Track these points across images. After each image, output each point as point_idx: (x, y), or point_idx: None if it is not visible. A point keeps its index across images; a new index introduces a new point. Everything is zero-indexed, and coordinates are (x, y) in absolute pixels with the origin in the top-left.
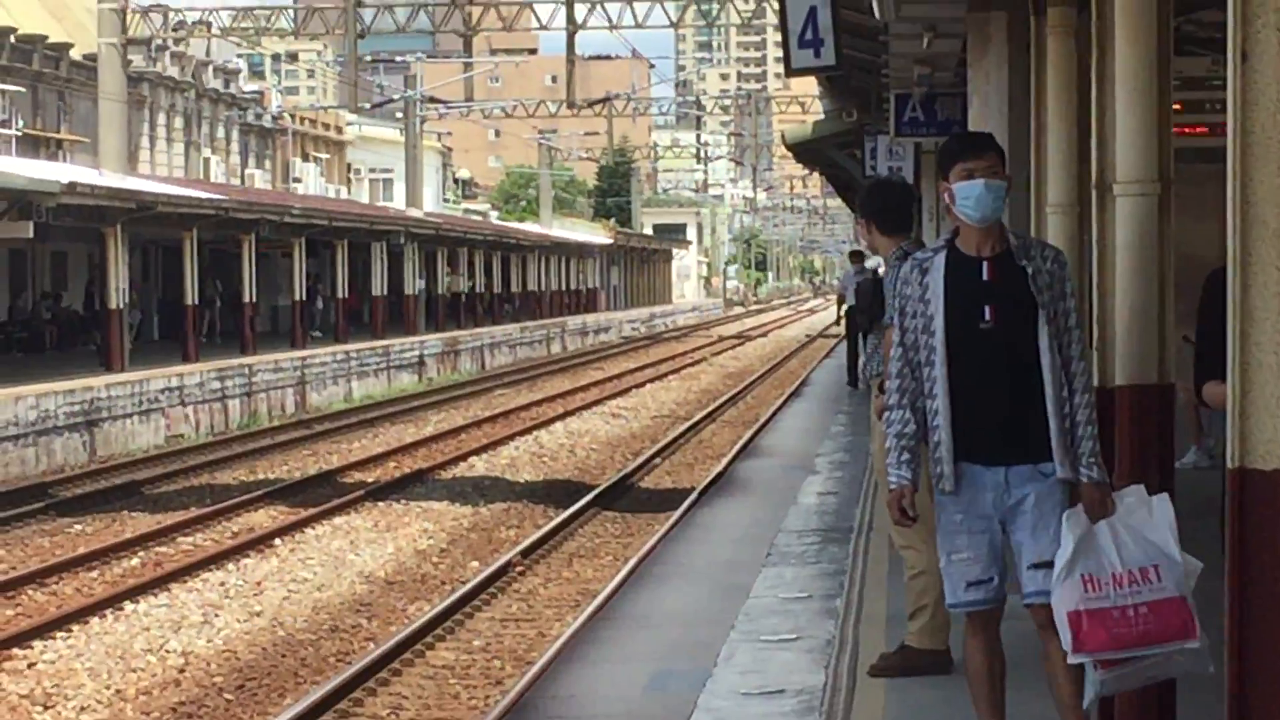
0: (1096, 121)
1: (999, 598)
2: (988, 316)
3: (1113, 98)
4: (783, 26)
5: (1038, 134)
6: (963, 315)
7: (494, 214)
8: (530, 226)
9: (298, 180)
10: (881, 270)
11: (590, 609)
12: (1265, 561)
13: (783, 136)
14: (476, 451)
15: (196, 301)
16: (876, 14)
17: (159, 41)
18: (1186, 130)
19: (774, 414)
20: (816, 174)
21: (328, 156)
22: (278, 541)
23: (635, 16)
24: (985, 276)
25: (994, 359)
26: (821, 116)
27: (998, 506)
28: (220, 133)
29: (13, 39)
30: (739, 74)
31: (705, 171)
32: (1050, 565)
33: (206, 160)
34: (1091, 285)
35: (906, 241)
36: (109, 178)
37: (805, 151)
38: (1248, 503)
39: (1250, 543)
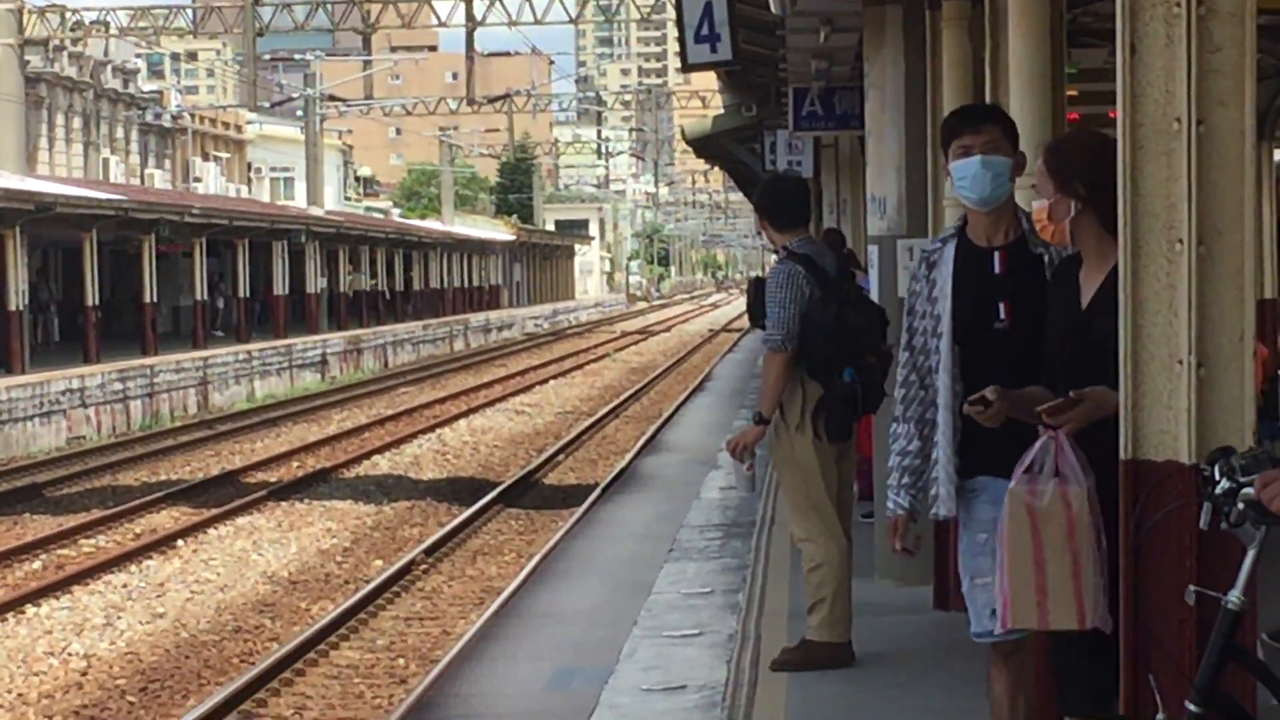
0: None
1: None
2: (1002, 315)
3: (1006, 89)
4: (679, 22)
5: (934, 126)
6: (973, 314)
7: (396, 212)
8: (432, 224)
9: (198, 180)
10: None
11: (494, 606)
12: (1156, 552)
13: (682, 131)
14: (379, 450)
15: (95, 303)
16: (773, 8)
17: (56, 41)
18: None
19: (677, 409)
20: (718, 169)
21: (228, 156)
22: (180, 542)
23: (534, 12)
24: (997, 269)
25: (1010, 363)
26: (721, 111)
27: None
28: (119, 133)
29: None
30: (640, 69)
31: (607, 167)
32: None
33: (106, 160)
34: None
35: (798, 239)
36: (7, 179)
37: (705, 146)
38: (1141, 495)
39: (1145, 535)
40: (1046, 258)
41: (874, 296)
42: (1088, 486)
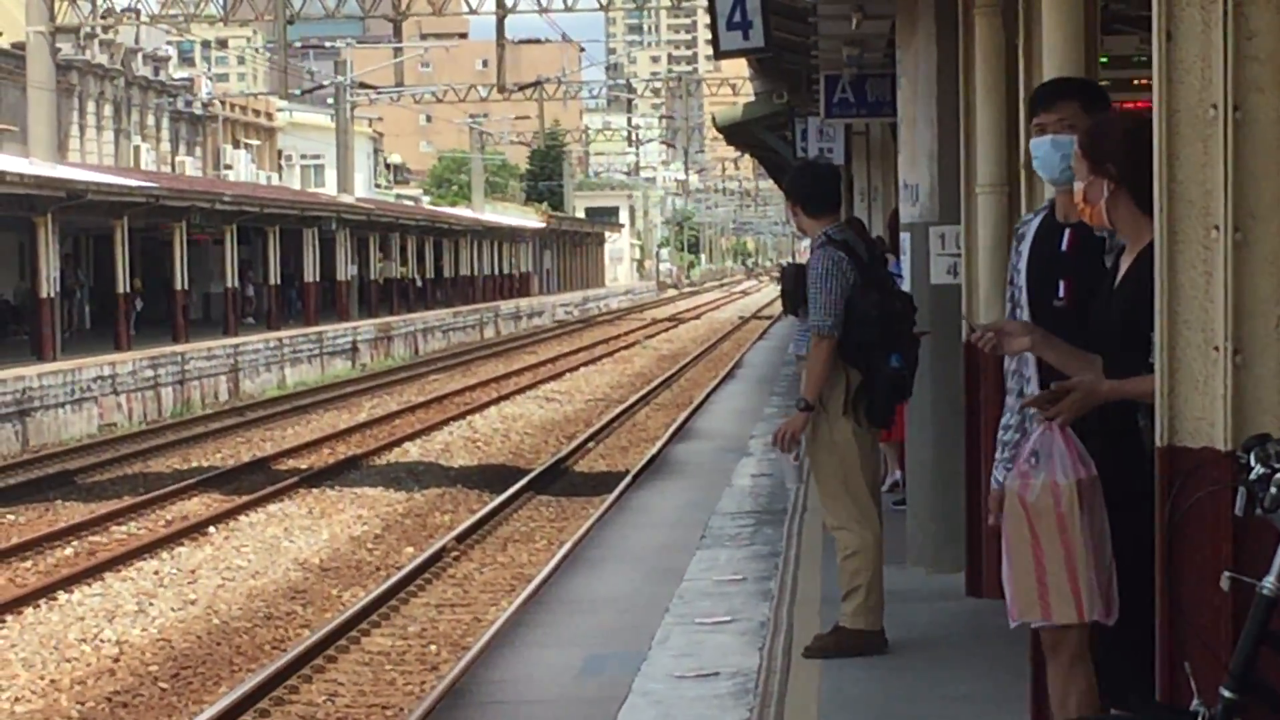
0: (1023, 101)
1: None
2: (1061, 293)
3: (1040, 77)
4: (711, 8)
5: (966, 115)
6: (1040, 291)
7: (426, 199)
8: (462, 211)
9: (229, 167)
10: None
11: (525, 593)
12: (1191, 539)
13: (713, 119)
14: (410, 437)
15: (127, 290)
16: None
17: (88, 29)
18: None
19: (708, 396)
20: (748, 156)
21: (259, 143)
22: (212, 529)
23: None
24: (1064, 247)
25: (1070, 342)
26: (752, 98)
27: None
28: (150, 120)
29: None
30: (670, 56)
31: (637, 155)
32: None
33: (137, 148)
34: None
35: (833, 225)
36: (38, 166)
37: (736, 134)
38: (1177, 481)
39: (1180, 521)
40: (1108, 241)
41: (906, 283)
42: (1083, 478)
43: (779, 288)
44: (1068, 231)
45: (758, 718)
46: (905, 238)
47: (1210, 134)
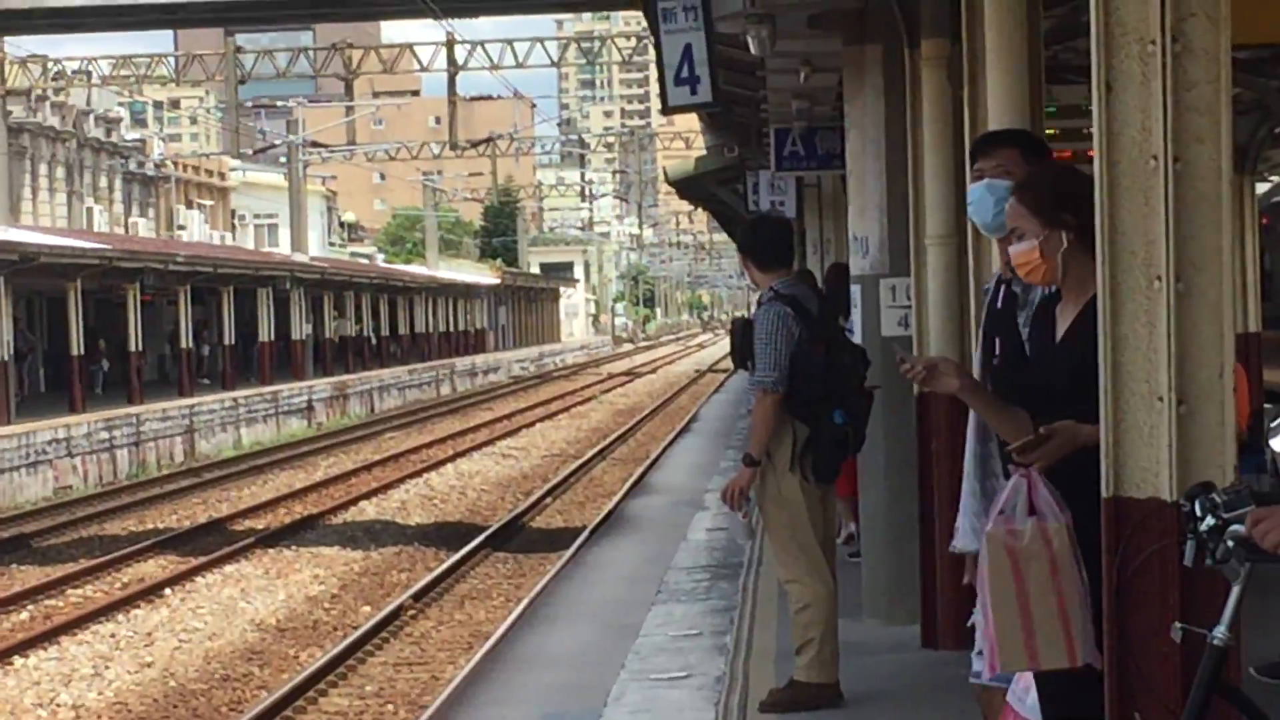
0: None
1: None
2: (996, 351)
3: (985, 127)
4: (659, 64)
5: (915, 166)
6: (984, 348)
7: (380, 257)
8: (417, 268)
9: (182, 228)
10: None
11: (481, 651)
12: (1140, 589)
13: (664, 173)
14: (367, 496)
15: (80, 352)
16: (753, 49)
17: (39, 92)
18: (1064, 156)
19: (664, 451)
20: (702, 209)
21: (211, 203)
22: (168, 591)
23: (516, 56)
24: (999, 304)
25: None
26: (704, 152)
27: None
28: (103, 182)
29: None
30: (623, 110)
31: (591, 209)
32: None
33: (90, 210)
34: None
35: (783, 280)
36: None
37: (688, 187)
38: (1125, 532)
39: (1128, 573)
40: (1020, 296)
41: (857, 336)
42: (1065, 522)
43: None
44: (1003, 287)
45: None
46: (856, 290)
47: (1151, 185)
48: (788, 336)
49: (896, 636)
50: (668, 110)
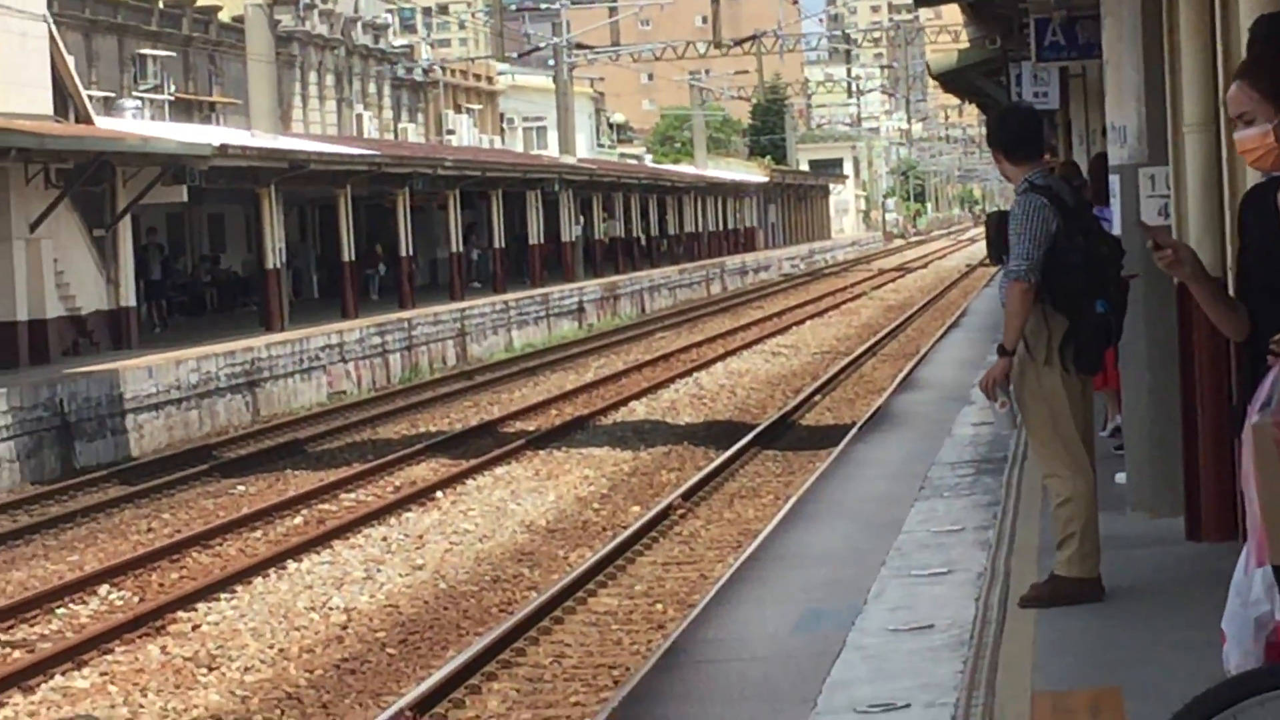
0: (1222, 38)
1: None
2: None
3: (1238, 12)
4: None
5: (1172, 52)
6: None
7: (649, 157)
8: (686, 168)
9: (451, 132)
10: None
11: (747, 551)
12: None
13: (928, 67)
14: (637, 396)
15: (352, 258)
16: None
17: (306, 0)
18: None
19: (933, 346)
20: (969, 103)
21: (480, 107)
22: (439, 494)
23: None
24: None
25: None
26: (968, 45)
27: None
28: (372, 88)
29: (161, 4)
30: (890, 4)
31: (859, 105)
32: None
33: (359, 117)
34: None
35: (1036, 171)
36: (260, 138)
37: (952, 81)
38: None
39: None
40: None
41: (1116, 226)
42: None
43: (986, 236)
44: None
45: (972, 669)
46: (1114, 180)
47: None
48: (1044, 227)
49: (1161, 529)
50: (920, 3)
